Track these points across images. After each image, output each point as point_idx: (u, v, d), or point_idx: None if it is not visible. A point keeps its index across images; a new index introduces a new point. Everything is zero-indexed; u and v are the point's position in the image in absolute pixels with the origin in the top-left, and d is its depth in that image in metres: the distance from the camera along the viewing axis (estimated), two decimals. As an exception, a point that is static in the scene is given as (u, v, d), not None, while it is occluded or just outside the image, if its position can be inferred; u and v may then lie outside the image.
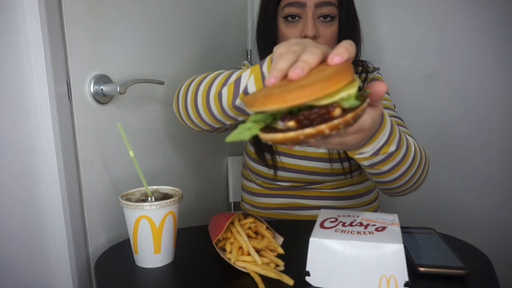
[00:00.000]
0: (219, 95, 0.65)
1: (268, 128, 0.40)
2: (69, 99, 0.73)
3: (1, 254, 0.66)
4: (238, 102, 0.63)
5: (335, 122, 0.37)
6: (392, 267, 0.53)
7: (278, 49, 0.49)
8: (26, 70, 0.67)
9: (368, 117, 0.46)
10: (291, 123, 0.38)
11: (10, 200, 0.66)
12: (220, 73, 0.68)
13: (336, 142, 0.48)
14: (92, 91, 0.77)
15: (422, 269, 0.59)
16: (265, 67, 0.58)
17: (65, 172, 0.72)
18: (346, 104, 0.38)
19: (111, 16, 0.81)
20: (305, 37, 0.84)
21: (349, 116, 0.37)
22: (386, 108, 0.87)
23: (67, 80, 0.73)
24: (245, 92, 0.61)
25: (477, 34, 1.17)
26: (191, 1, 1.04)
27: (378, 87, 0.46)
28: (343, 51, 0.42)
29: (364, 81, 0.94)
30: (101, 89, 0.78)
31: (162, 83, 0.88)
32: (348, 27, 0.88)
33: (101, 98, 0.79)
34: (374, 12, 1.25)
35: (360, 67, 0.95)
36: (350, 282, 0.55)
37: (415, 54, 1.24)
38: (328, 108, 0.37)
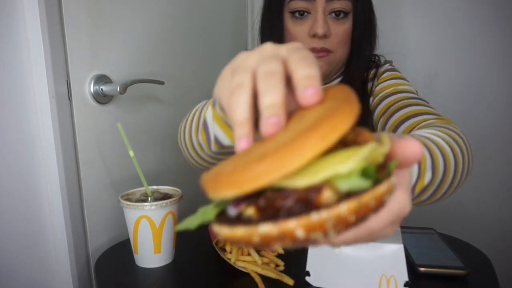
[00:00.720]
0: (200, 144, 0.56)
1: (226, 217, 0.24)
2: (69, 99, 0.73)
3: (1, 254, 0.66)
4: (214, 148, 0.52)
5: (315, 218, 0.20)
6: (392, 267, 0.53)
7: (219, 91, 0.32)
8: (26, 70, 0.67)
9: (402, 197, 0.26)
10: (250, 211, 0.23)
11: (10, 200, 0.66)
12: (194, 114, 0.58)
13: (362, 236, 0.27)
14: (92, 91, 0.77)
15: (422, 269, 0.59)
16: (219, 110, 0.43)
17: (65, 172, 0.72)
18: (344, 185, 0.22)
19: (111, 16, 0.81)
20: (314, 35, 0.75)
21: (344, 207, 0.21)
22: (405, 92, 0.76)
23: (67, 80, 0.73)
24: (218, 142, 0.49)
25: (478, 34, 1.17)
26: (190, 0, 1.04)
27: (410, 148, 0.26)
28: (312, 76, 0.26)
29: (374, 77, 0.84)
30: (101, 89, 0.78)
31: (162, 83, 0.88)
32: (363, 24, 0.79)
33: (101, 98, 0.79)
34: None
35: (372, 62, 0.87)
36: (350, 282, 0.55)
37: (415, 54, 1.24)
38: (308, 191, 0.21)
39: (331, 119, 0.22)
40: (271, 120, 0.25)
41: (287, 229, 0.21)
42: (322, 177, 0.21)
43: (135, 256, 0.68)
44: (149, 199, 0.68)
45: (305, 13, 0.76)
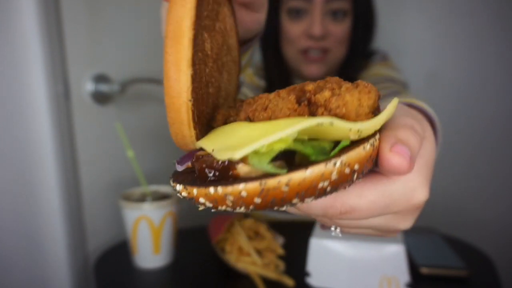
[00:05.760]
0: None
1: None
2: (67, 99, 0.73)
3: (-1, 255, 0.65)
4: None
5: (213, 190, 0.22)
6: (393, 267, 0.53)
7: None
8: (24, 70, 0.67)
9: (407, 178, 0.23)
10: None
11: (9, 201, 0.66)
12: None
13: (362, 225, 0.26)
14: (90, 90, 0.77)
15: (423, 269, 0.59)
16: None
17: (64, 172, 0.72)
18: (256, 164, 0.21)
19: (110, 13, 0.80)
20: (311, 36, 0.74)
21: (238, 187, 0.21)
22: (386, 79, 0.74)
23: (65, 80, 0.72)
24: None
25: (478, 34, 1.16)
26: None
27: (393, 161, 0.22)
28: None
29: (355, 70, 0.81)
30: (100, 88, 0.77)
31: (162, 82, 0.88)
32: (364, 22, 0.78)
33: (100, 98, 0.79)
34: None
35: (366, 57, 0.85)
36: (350, 283, 0.54)
37: (416, 53, 1.23)
38: (227, 165, 0.22)
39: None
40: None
41: (218, 196, 0.21)
42: (240, 154, 0.20)
43: (134, 256, 0.68)
44: (148, 199, 0.67)
45: (302, 12, 0.74)
